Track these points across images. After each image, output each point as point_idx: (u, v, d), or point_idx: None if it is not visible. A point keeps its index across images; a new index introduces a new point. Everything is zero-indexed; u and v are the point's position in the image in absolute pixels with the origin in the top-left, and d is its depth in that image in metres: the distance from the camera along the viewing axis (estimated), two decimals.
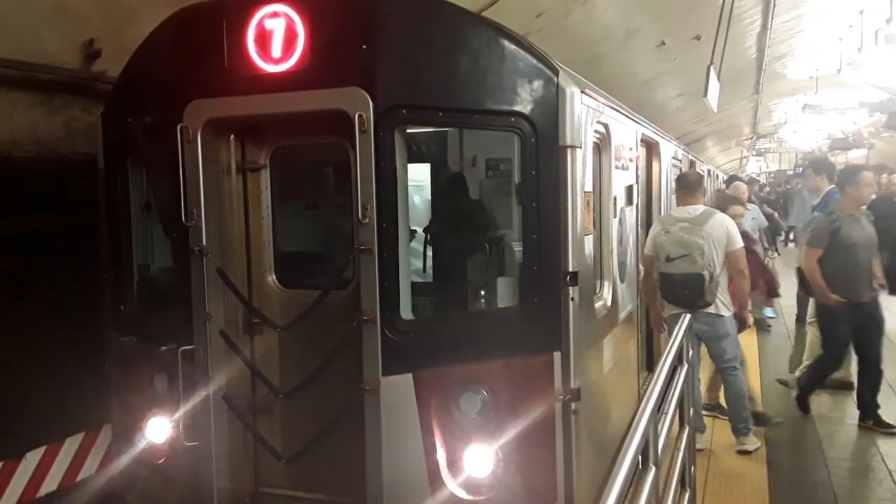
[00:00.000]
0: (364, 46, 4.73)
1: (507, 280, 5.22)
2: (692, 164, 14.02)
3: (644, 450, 3.42)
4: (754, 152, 49.20)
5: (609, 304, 5.66)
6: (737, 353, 7.63)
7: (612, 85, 10.94)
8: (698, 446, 7.51)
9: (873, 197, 10.09)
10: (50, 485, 6.50)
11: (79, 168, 6.37)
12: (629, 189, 6.76)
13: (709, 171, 20.49)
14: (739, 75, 21.34)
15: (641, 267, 7.52)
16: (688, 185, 7.70)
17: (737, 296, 7.51)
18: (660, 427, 3.99)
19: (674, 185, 8.57)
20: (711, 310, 7.29)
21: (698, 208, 7.43)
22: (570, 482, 4.59)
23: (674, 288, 7.17)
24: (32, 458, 6.38)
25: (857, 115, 28.93)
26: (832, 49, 21.17)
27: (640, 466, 3.40)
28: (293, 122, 5.21)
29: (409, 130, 4.98)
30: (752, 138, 43.69)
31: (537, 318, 4.62)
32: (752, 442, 7.79)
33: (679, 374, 5.24)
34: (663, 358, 4.88)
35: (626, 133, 6.65)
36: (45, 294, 6.40)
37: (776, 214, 17.87)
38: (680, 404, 5.10)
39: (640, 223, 7.69)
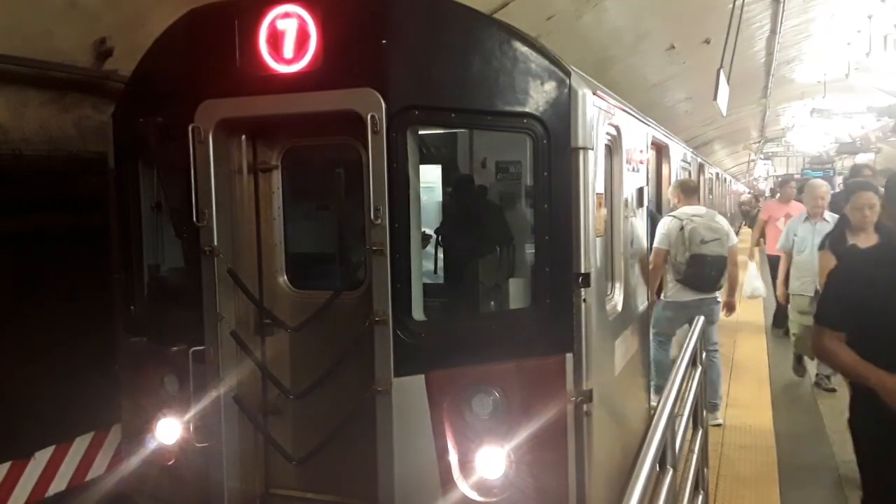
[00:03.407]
0: (376, 47, 4.71)
1: (519, 281, 5.20)
2: (701, 166, 13.99)
3: (661, 452, 3.40)
4: (762, 156, 49.12)
5: (620, 305, 5.64)
6: (718, 337, 8.74)
7: (621, 88, 10.94)
8: (718, 421, 8.49)
9: None
10: (59, 484, 6.50)
11: (89, 167, 6.38)
12: (640, 191, 6.74)
13: (717, 174, 20.48)
14: (748, 79, 21.34)
15: (652, 260, 7.85)
16: (690, 189, 8.55)
17: (730, 283, 8.40)
18: (676, 429, 3.97)
19: (674, 190, 8.85)
20: (717, 295, 8.13)
21: (701, 207, 8.22)
22: (581, 484, 4.57)
23: (703, 269, 7.77)
24: (41, 457, 6.37)
25: (864, 119, 28.92)
26: (840, 53, 21.18)
27: (658, 469, 3.38)
28: (305, 123, 5.20)
29: (420, 132, 4.98)
30: (759, 142, 43.66)
31: (549, 320, 4.60)
32: (718, 418, 8.60)
33: (693, 377, 5.23)
34: (679, 360, 4.86)
35: (637, 135, 6.64)
36: (55, 293, 6.40)
37: None
38: (694, 406, 5.08)
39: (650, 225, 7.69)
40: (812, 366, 10.27)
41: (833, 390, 9.58)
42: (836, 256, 6.49)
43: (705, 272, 7.79)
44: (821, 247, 7.52)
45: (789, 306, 9.85)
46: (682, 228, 7.82)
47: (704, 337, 7.75)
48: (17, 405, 6.14)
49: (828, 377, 9.76)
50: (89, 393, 6.34)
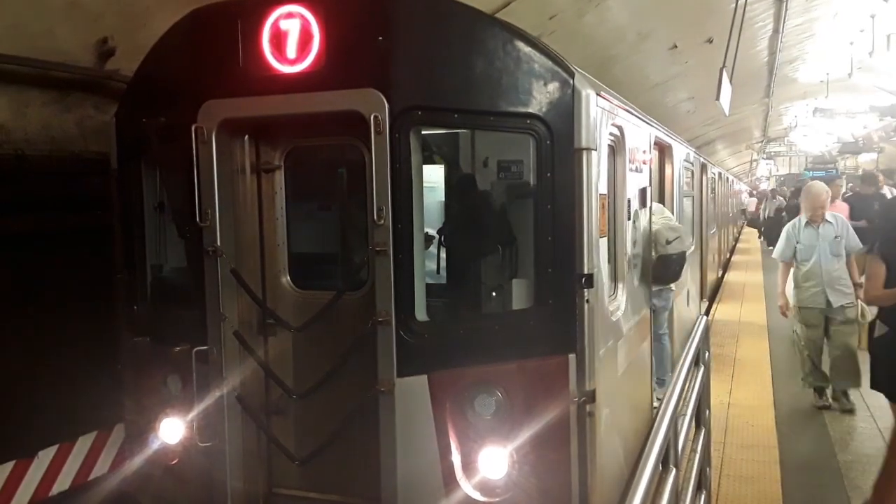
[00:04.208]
0: (379, 47, 4.72)
1: (522, 282, 5.20)
2: (703, 166, 13.97)
3: (664, 452, 3.40)
4: (764, 155, 49.10)
5: (623, 305, 5.64)
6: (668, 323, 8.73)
7: (624, 87, 10.93)
8: None
9: None
10: (62, 483, 6.51)
11: (92, 167, 6.38)
12: (643, 191, 6.74)
13: (719, 174, 20.46)
14: (751, 79, 21.34)
15: None
16: None
17: None
18: (678, 428, 3.98)
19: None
20: (671, 285, 8.21)
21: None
22: (584, 484, 4.57)
23: (670, 267, 7.63)
24: (45, 456, 6.39)
25: (867, 118, 28.89)
26: (843, 53, 21.14)
27: (661, 468, 3.39)
28: (308, 123, 5.21)
29: (423, 132, 4.97)
30: (762, 142, 43.63)
31: (552, 320, 4.60)
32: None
33: (696, 376, 5.23)
34: (681, 360, 4.86)
35: (640, 135, 6.63)
36: (58, 292, 6.41)
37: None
38: (696, 406, 5.08)
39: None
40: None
41: (851, 410, 8.88)
42: (885, 263, 5.97)
43: (671, 269, 7.75)
44: (869, 251, 6.62)
45: (795, 320, 9.30)
46: None
47: (657, 322, 8.21)
48: (21, 404, 6.16)
49: (845, 393, 8.99)
50: (92, 392, 6.35)
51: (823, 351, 9.06)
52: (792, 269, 9.15)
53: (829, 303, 8.74)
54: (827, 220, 8.85)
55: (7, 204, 6.06)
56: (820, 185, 9.29)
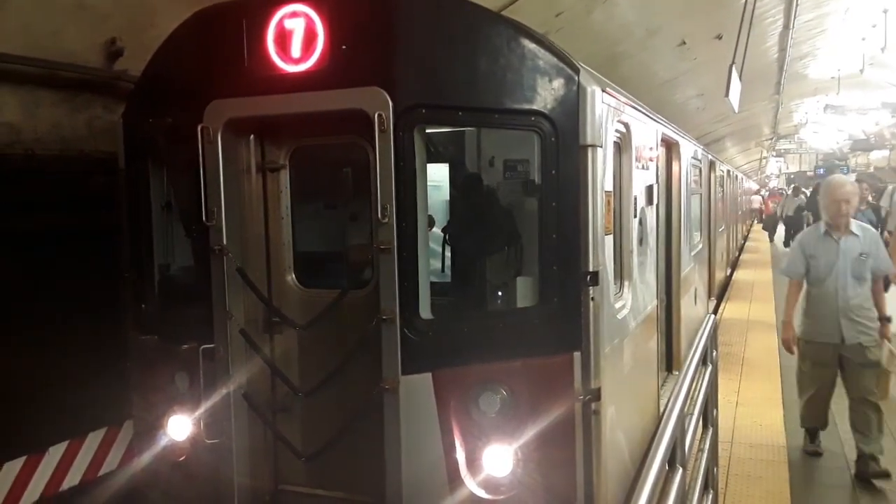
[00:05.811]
0: (384, 46, 4.73)
1: (527, 280, 5.20)
2: (712, 164, 13.92)
3: (671, 451, 3.40)
4: (774, 153, 48.89)
5: (629, 303, 5.63)
6: None
7: (632, 84, 10.90)
8: None
9: None
10: (72, 479, 6.56)
11: (101, 166, 6.42)
12: (649, 189, 6.72)
13: (728, 172, 20.38)
14: (760, 75, 21.25)
15: None
16: None
17: None
18: (686, 428, 3.97)
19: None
20: None
21: None
22: (589, 482, 4.57)
23: None
24: (55, 452, 6.44)
25: (879, 115, 28.75)
26: (855, 49, 21.04)
27: (667, 468, 3.38)
28: (313, 122, 5.22)
29: (428, 130, 4.98)
30: (772, 139, 43.44)
31: (557, 318, 4.60)
32: None
33: (703, 375, 5.21)
34: (689, 359, 4.85)
35: (647, 132, 6.61)
36: (67, 291, 6.45)
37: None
38: (704, 405, 5.07)
39: (660, 223, 7.64)
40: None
41: (886, 475, 6.96)
42: None
43: None
44: None
45: (798, 355, 7.58)
46: None
47: None
48: (31, 401, 6.20)
49: (875, 458, 7.00)
50: (101, 389, 6.38)
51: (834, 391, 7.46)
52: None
53: (843, 338, 6.98)
54: (852, 232, 7.00)
55: (17, 203, 6.10)
56: (842, 178, 7.57)
